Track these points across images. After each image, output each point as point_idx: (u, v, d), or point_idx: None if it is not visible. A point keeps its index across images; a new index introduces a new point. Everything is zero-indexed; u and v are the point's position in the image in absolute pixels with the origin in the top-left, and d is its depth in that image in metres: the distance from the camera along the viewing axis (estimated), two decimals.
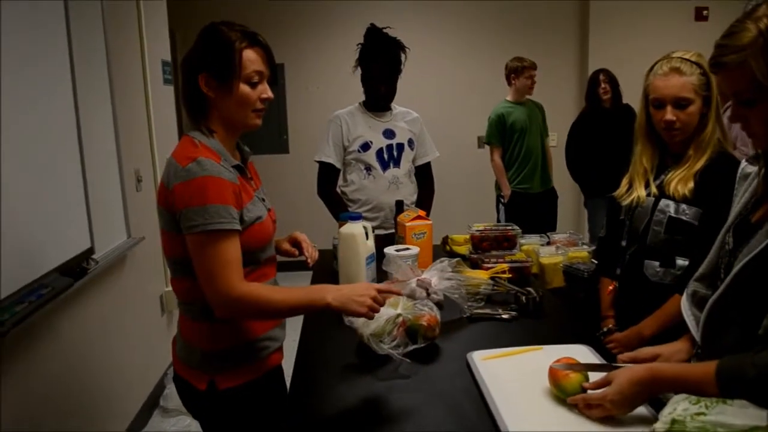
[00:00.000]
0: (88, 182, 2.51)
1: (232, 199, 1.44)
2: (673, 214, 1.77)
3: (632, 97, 4.61)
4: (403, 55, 2.71)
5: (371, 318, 1.50)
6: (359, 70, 2.80)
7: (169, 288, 3.74)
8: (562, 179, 5.08)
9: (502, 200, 4.72)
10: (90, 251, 2.50)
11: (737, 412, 1.02)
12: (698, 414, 1.02)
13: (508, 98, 4.70)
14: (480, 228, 2.41)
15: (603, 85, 4.67)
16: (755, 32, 1.01)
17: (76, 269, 2.39)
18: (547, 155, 4.82)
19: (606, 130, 4.66)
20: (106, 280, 2.86)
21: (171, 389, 3.40)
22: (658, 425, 1.03)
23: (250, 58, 1.50)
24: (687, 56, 1.75)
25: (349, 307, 1.45)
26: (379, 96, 2.78)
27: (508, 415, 1.27)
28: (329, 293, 1.46)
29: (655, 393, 1.20)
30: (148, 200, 3.51)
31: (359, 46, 2.76)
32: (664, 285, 1.79)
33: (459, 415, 1.34)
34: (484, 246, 2.36)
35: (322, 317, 1.91)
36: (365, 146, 2.78)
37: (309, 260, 1.83)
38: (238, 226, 1.44)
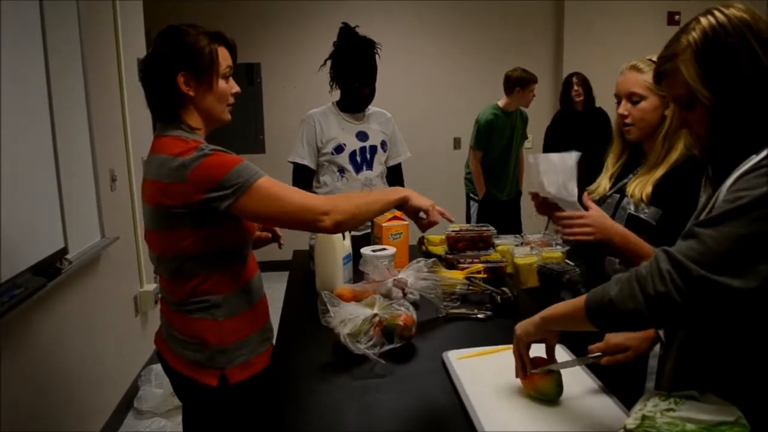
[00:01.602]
0: (62, 181, 2.48)
1: None
2: (632, 212, 1.80)
3: (606, 99, 4.70)
4: (377, 55, 2.72)
5: (430, 210, 1.74)
6: (326, 69, 2.78)
7: (144, 288, 3.71)
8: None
9: (474, 198, 4.74)
10: (64, 251, 2.48)
11: (706, 408, 1.04)
12: (668, 410, 1.04)
13: (500, 104, 4.65)
14: (456, 229, 2.43)
15: (576, 88, 4.74)
16: (685, 43, 1.12)
17: (50, 269, 2.37)
18: (520, 161, 4.86)
19: (579, 132, 4.73)
20: (79, 281, 2.83)
21: (145, 391, 3.37)
22: (629, 421, 1.06)
23: (223, 55, 1.58)
24: (652, 57, 1.78)
25: (418, 199, 1.70)
26: (361, 98, 2.77)
27: (483, 414, 1.29)
28: (402, 190, 1.72)
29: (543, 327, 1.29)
30: (122, 200, 3.48)
31: (334, 45, 2.75)
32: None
33: (435, 414, 1.36)
34: (459, 246, 2.38)
35: (299, 317, 1.93)
36: (338, 149, 2.77)
37: (282, 242, 1.95)
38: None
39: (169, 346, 1.64)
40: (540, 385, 1.34)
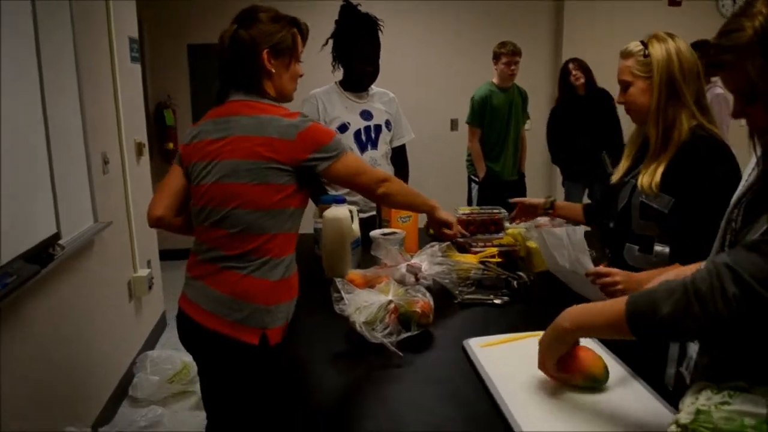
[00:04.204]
0: (54, 165, 2.38)
1: None
2: (644, 200, 1.75)
3: (607, 80, 4.63)
4: (380, 32, 2.64)
5: (454, 224, 2.07)
6: (327, 49, 2.70)
7: (138, 273, 3.62)
8: (532, 165, 5.08)
9: (475, 180, 4.69)
10: (56, 237, 2.39)
11: (761, 401, 0.98)
12: (722, 403, 0.98)
13: (494, 81, 4.63)
14: (466, 212, 2.36)
15: (574, 73, 4.67)
16: (751, 32, 0.98)
17: (43, 256, 2.27)
18: (522, 142, 4.80)
19: (582, 115, 4.67)
20: (73, 267, 2.73)
21: (140, 378, 3.29)
22: (681, 416, 0.99)
23: (299, 40, 1.76)
24: (647, 37, 1.78)
25: (445, 213, 2.06)
26: (365, 76, 2.69)
27: (514, 405, 1.22)
28: (433, 201, 2.03)
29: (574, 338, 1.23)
30: (115, 184, 3.38)
31: (336, 23, 2.66)
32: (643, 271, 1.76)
33: (463, 408, 1.29)
34: (470, 230, 2.30)
35: (310, 305, 1.85)
36: (343, 128, 2.69)
37: None
38: None
39: (203, 308, 1.65)
40: (590, 370, 1.26)
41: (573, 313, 1.20)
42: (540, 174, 5.99)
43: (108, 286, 3.23)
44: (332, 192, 2.60)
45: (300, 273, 1.80)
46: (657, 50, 1.73)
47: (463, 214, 2.34)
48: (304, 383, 1.41)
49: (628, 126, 2.02)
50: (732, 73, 1.04)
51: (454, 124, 6.07)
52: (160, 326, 4.18)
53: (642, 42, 1.78)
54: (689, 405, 1.00)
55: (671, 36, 1.76)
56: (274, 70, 1.70)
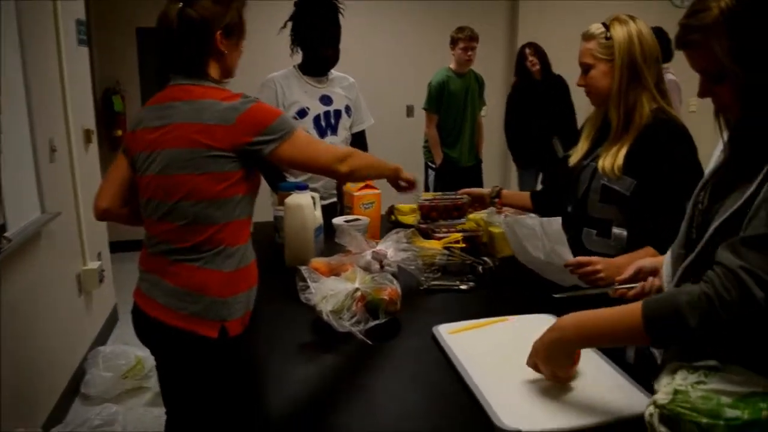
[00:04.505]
0: None
1: None
2: (606, 183, 1.76)
3: (563, 65, 4.68)
4: (340, 15, 2.58)
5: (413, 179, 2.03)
6: (285, 33, 2.64)
7: (87, 266, 3.49)
8: (489, 152, 5.09)
9: (432, 166, 4.68)
10: (2, 229, 2.27)
11: (735, 379, 0.98)
12: (698, 383, 0.98)
13: (451, 66, 4.62)
14: (429, 197, 2.33)
15: (530, 58, 4.70)
16: (717, 12, 1.00)
17: None
18: (478, 128, 4.81)
19: (538, 101, 4.70)
20: (20, 260, 2.60)
21: (93, 374, 3.18)
22: (659, 396, 0.98)
23: (243, 15, 1.69)
24: (607, 20, 1.77)
25: (405, 173, 2.03)
26: (324, 59, 2.64)
27: (488, 391, 1.21)
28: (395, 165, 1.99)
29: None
30: (62, 172, 3.24)
31: (295, 5, 2.60)
32: (603, 255, 1.76)
33: (436, 393, 1.27)
34: (433, 216, 2.28)
35: (273, 295, 1.80)
36: (302, 113, 2.63)
37: None
38: None
39: (159, 302, 1.59)
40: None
41: (577, 325, 1.14)
42: (497, 161, 6.02)
43: (57, 280, 3.10)
44: (291, 179, 2.55)
45: (260, 262, 1.75)
46: (619, 32, 1.72)
47: (426, 200, 2.32)
48: (270, 374, 1.37)
49: (584, 112, 2.02)
50: (699, 52, 1.05)
51: (409, 111, 6.05)
52: (112, 320, 4.05)
53: (604, 24, 1.76)
54: (666, 385, 1.00)
55: (632, 18, 1.75)
56: (226, 51, 1.63)
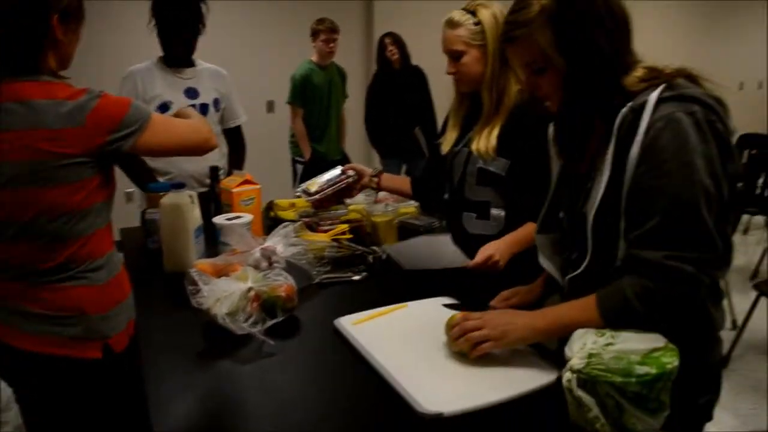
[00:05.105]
0: None
1: None
2: (482, 166, 1.81)
3: (419, 54, 4.78)
4: (204, 6, 2.45)
5: None
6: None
7: None
8: (351, 144, 5.11)
9: (300, 161, 4.62)
10: None
11: (637, 338, 1.05)
12: (608, 345, 1.03)
13: (313, 59, 4.57)
14: (314, 189, 2.20)
15: (390, 48, 4.76)
16: (538, 8, 1.13)
17: None
18: (341, 121, 4.81)
19: (398, 91, 4.78)
20: None
21: None
22: (575, 361, 1.02)
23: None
24: (469, 6, 1.78)
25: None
26: (176, 48, 2.50)
27: (403, 378, 1.20)
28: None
29: (534, 323, 1.23)
30: None
31: None
32: (485, 236, 1.82)
33: (347, 385, 1.25)
34: (326, 205, 2.21)
35: (151, 302, 1.68)
36: (164, 107, 2.48)
37: None
38: None
39: (23, 330, 1.41)
40: None
41: (546, 315, 1.22)
42: (360, 153, 6.04)
43: None
44: (160, 180, 2.41)
45: (133, 271, 1.63)
46: (486, 17, 1.75)
47: (314, 192, 2.20)
48: (165, 390, 1.26)
49: (443, 102, 2.04)
50: (524, 45, 1.16)
51: (270, 106, 5.92)
52: None
53: (467, 10, 1.77)
54: (579, 350, 1.03)
55: (490, 1, 1.78)
56: (65, 39, 1.42)
